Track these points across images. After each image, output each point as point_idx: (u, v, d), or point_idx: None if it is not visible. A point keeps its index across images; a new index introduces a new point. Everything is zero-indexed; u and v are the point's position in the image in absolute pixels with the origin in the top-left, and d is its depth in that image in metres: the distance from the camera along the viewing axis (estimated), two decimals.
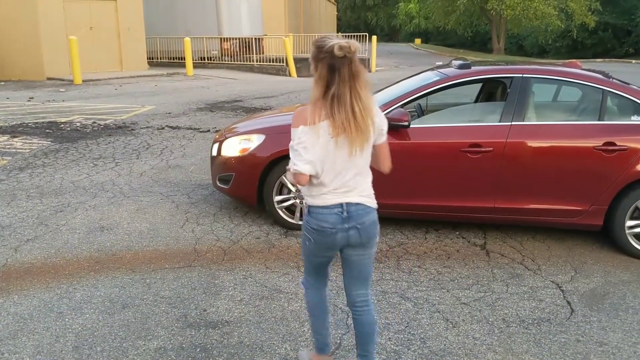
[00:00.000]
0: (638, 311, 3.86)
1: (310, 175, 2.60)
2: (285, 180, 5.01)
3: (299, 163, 2.57)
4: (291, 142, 2.63)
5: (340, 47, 2.49)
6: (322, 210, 2.69)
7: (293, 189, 5.03)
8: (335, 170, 2.64)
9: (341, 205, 2.68)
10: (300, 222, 5.08)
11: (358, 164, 2.67)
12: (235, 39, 23.22)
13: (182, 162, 7.54)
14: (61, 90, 15.02)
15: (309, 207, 2.75)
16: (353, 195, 2.70)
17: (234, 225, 5.26)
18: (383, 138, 2.74)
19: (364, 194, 2.74)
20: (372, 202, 2.78)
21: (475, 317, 3.72)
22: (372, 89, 2.65)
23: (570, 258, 4.70)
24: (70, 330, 3.46)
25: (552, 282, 4.27)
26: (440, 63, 5.66)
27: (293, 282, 4.15)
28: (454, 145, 4.76)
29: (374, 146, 2.72)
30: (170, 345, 3.31)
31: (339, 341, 3.39)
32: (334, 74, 2.53)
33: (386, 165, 2.86)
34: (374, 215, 2.79)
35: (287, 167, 2.70)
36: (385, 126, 2.72)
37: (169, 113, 11.58)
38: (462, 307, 3.86)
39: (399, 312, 3.76)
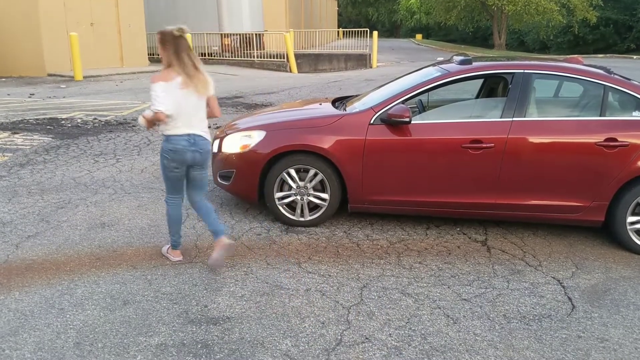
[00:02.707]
0: (639, 307, 3.86)
1: (167, 115, 3.87)
2: (286, 176, 5.01)
3: (158, 106, 3.84)
4: (152, 93, 3.88)
5: (178, 29, 3.91)
6: (177, 137, 4.02)
7: (294, 185, 5.03)
8: (185, 111, 3.97)
9: (189, 134, 4.03)
10: (301, 219, 5.10)
11: (200, 108, 4.06)
12: (236, 34, 23.20)
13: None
14: (62, 86, 15.02)
15: (167, 136, 4.03)
16: (197, 129, 4.07)
17: (235, 221, 5.26)
18: (211, 92, 4.10)
19: (204, 130, 4.13)
20: (208, 136, 4.18)
21: (476, 313, 3.72)
22: None
23: (571, 254, 4.70)
24: (71, 326, 3.46)
25: (553, 278, 4.27)
26: (442, 59, 5.64)
27: (294, 278, 4.15)
28: (455, 142, 4.76)
29: (207, 98, 4.09)
30: (172, 342, 3.32)
31: (339, 337, 3.39)
32: (178, 47, 3.92)
33: (217, 112, 4.24)
34: (209, 145, 4.19)
35: (143, 114, 3.99)
36: (212, 84, 4.07)
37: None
38: (463, 303, 3.86)
39: (400, 308, 3.76)
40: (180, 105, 3.92)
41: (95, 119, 10.34)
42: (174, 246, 4.45)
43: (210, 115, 4.20)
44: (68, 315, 3.58)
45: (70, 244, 4.68)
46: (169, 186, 4.25)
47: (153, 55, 21.75)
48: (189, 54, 3.95)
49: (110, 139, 8.73)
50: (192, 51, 4.00)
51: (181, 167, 4.09)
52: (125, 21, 19.81)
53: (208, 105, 4.15)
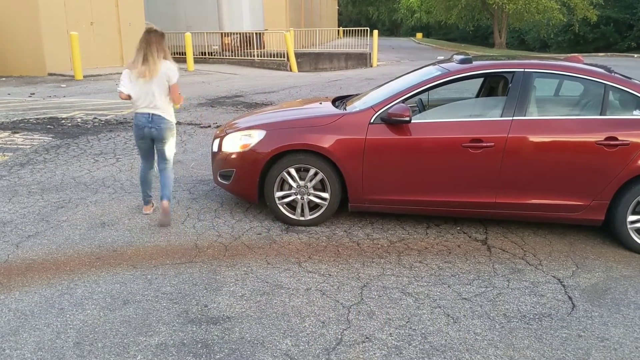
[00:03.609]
0: (639, 306, 3.86)
1: (126, 95, 4.95)
2: (286, 176, 5.00)
3: (120, 87, 4.97)
4: (121, 76, 4.97)
5: (147, 27, 4.92)
6: (139, 115, 5.02)
7: (294, 184, 5.02)
8: (144, 94, 4.93)
9: (148, 114, 4.99)
10: (301, 218, 5.09)
11: (156, 93, 4.92)
12: (236, 33, 23.19)
13: (183, 158, 7.53)
14: (62, 85, 15.01)
15: (135, 113, 5.05)
16: (156, 110, 4.98)
17: (235, 221, 5.26)
18: (173, 81, 4.96)
19: (162, 110, 5.00)
20: (167, 115, 5.03)
21: (477, 313, 3.72)
22: (168, 53, 5.02)
23: (571, 253, 4.70)
24: (71, 326, 3.46)
25: (554, 277, 4.26)
26: (442, 58, 5.62)
27: (294, 277, 4.15)
28: (455, 141, 4.75)
29: (169, 86, 4.96)
30: (172, 341, 3.31)
31: (340, 337, 3.39)
32: (142, 41, 4.88)
33: (175, 100, 5.06)
34: (167, 123, 5.06)
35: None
36: (172, 73, 4.93)
37: None
38: (463, 302, 3.86)
39: (400, 308, 3.76)
40: (139, 89, 4.92)
41: (95, 118, 10.34)
42: (144, 202, 5.47)
43: (172, 102, 5.08)
44: (68, 315, 3.58)
45: (71, 244, 4.68)
46: (140, 155, 5.36)
47: None
48: (150, 47, 4.86)
49: (110, 138, 8.73)
50: (157, 45, 4.88)
51: (143, 140, 5.13)
52: (125, 20, 19.81)
53: (170, 92, 5.03)
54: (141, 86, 4.89)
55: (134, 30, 20.00)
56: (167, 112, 5.04)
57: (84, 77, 16.47)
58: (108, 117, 10.42)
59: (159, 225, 5.08)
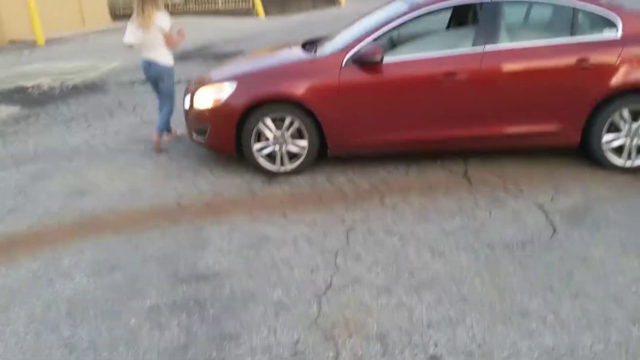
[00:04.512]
0: (619, 224, 3.95)
1: (129, 44, 5.76)
2: (263, 127, 4.95)
3: (124, 39, 5.76)
4: (126, 28, 5.73)
5: None
6: (143, 60, 5.90)
7: (271, 136, 4.98)
8: (143, 43, 5.73)
9: (147, 58, 5.84)
10: (282, 168, 5.07)
11: (152, 41, 5.70)
12: None
13: (157, 117, 7.38)
14: (25, 52, 14.54)
15: (141, 59, 5.91)
16: (152, 55, 5.81)
17: (215, 177, 5.23)
18: (165, 30, 5.67)
19: (157, 56, 5.80)
20: (162, 60, 5.83)
21: (461, 245, 3.79)
22: (161, 4, 5.78)
23: (550, 178, 4.76)
24: (61, 296, 3.46)
25: (534, 203, 4.33)
26: None
27: (280, 228, 4.17)
28: (429, 76, 4.72)
29: (163, 35, 5.70)
30: (163, 303, 3.34)
31: (329, 281, 3.44)
32: None
33: (171, 44, 5.79)
34: (161, 67, 5.85)
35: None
36: (163, 24, 5.63)
37: (138, 67, 11.28)
38: (447, 236, 3.92)
39: (386, 248, 3.81)
40: (138, 38, 5.70)
41: (62, 83, 10.06)
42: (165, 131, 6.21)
43: (169, 46, 5.83)
44: (57, 286, 3.58)
45: (51, 215, 4.63)
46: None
47: (115, 12, 21.06)
48: (143, 2, 5.57)
49: (80, 103, 8.53)
50: (150, 1, 5.60)
51: (149, 80, 6.15)
52: None
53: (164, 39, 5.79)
54: (141, 36, 5.68)
55: None
56: (163, 57, 5.83)
57: (46, 41, 15.94)
58: (76, 82, 10.15)
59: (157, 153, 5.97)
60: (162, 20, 5.65)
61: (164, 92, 6.01)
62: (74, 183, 5.28)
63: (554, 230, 3.92)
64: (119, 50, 13.90)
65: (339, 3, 23.06)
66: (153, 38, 5.69)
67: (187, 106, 5.39)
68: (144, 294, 3.43)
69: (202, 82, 5.40)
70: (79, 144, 6.46)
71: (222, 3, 22.01)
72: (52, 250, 4.05)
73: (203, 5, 22.18)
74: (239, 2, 21.88)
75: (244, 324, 3.10)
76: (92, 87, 9.61)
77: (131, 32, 5.70)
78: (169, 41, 5.77)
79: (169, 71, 5.90)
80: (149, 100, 8.39)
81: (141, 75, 10.32)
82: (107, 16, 20.32)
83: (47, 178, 5.45)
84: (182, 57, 12.19)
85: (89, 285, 3.57)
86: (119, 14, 21.68)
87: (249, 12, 21.30)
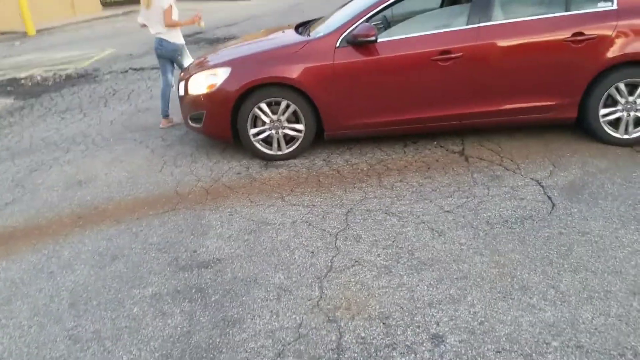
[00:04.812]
0: (617, 197, 3.96)
1: (141, 23, 6.27)
2: (258, 112, 4.93)
3: (138, 19, 6.29)
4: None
5: None
6: (155, 39, 6.21)
7: (267, 120, 4.96)
8: (149, 22, 6.15)
9: (155, 36, 6.20)
10: (279, 153, 5.06)
11: (156, 19, 6.08)
12: None
13: (152, 105, 7.37)
14: (16, 43, 14.44)
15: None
16: (159, 34, 6.16)
17: (212, 163, 5.22)
18: (164, 7, 5.98)
19: (164, 34, 6.14)
20: (169, 37, 6.16)
21: (460, 223, 3.79)
22: None
23: (548, 153, 4.76)
24: (63, 288, 3.48)
25: (532, 179, 4.33)
26: None
27: (279, 212, 4.17)
28: (424, 55, 4.68)
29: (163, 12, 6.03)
30: (166, 290, 3.35)
31: (330, 264, 3.45)
32: None
33: (166, 22, 6.05)
34: (169, 45, 6.18)
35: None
36: (162, 2, 5.98)
37: (131, 55, 11.24)
38: (445, 215, 3.92)
39: (385, 228, 3.82)
40: (147, 17, 6.17)
41: (55, 74, 10.01)
42: (163, 116, 6.45)
43: (166, 25, 6.10)
44: (59, 278, 3.59)
45: (50, 206, 4.63)
46: (160, 67, 6.53)
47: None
48: None
49: (73, 93, 8.49)
50: None
51: (158, 58, 6.40)
52: None
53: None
54: (147, 15, 6.14)
55: None
56: (170, 34, 6.15)
57: (37, 32, 15.82)
58: (69, 72, 10.09)
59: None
60: (160, 1, 6.01)
61: (174, 65, 6.42)
62: (72, 174, 5.27)
63: (553, 206, 3.92)
64: (110, 38, 13.83)
65: None
66: (156, 16, 6.07)
67: (181, 92, 5.36)
68: (145, 283, 3.45)
69: (196, 68, 5.37)
70: (74, 135, 6.44)
71: None
72: (53, 242, 4.05)
73: None
74: None
75: (247, 308, 3.12)
76: (85, 77, 9.55)
77: (141, 12, 6.23)
78: (166, 18, 6.03)
79: (178, 49, 6.23)
80: (143, 87, 8.37)
81: (134, 63, 10.37)
82: (98, 4, 20.13)
83: (45, 170, 5.44)
84: None
85: (91, 276, 3.58)
86: (110, 2, 21.49)
87: None
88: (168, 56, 6.25)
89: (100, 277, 3.55)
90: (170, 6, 6.04)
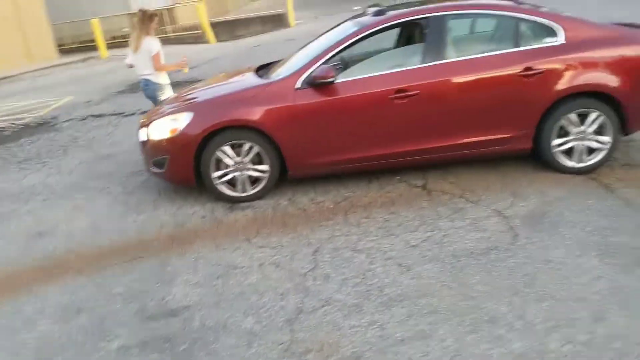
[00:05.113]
0: (576, 225, 4.07)
1: (132, 65, 6.72)
2: (221, 155, 4.93)
3: (126, 60, 6.94)
4: None
5: (139, 9, 6.63)
6: (140, 80, 6.75)
7: (230, 162, 4.96)
8: (138, 62, 6.61)
9: (141, 78, 6.71)
10: (244, 194, 5.06)
11: (143, 62, 6.56)
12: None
13: (112, 151, 7.30)
14: None
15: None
16: (143, 75, 6.63)
17: (176, 208, 5.18)
18: (152, 52, 6.45)
19: (148, 75, 6.60)
20: (153, 78, 6.61)
21: (427, 257, 3.84)
22: (151, 30, 6.65)
23: (506, 184, 4.88)
24: (27, 345, 3.37)
25: (494, 210, 4.43)
26: (358, 8, 5.60)
27: (246, 255, 4.15)
28: (381, 94, 4.79)
29: (151, 57, 6.47)
30: (133, 342, 3.28)
31: (300, 306, 3.44)
32: (132, 23, 8.03)
33: (155, 67, 6.53)
34: (153, 85, 6.64)
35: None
36: (150, 47, 6.46)
37: (90, 101, 11.15)
38: (412, 249, 3.97)
39: (354, 266, 3.83)
40: (133, 59, 6.67)
41: (12, 123, 9.84)
42: None
43: (156, 69, 6.56)
44: (22, 334, 3.48)
45: (10, 260, 4.50)
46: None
47: (63, 46, 20.75)
48: (134, 27, 6.68)
49: (32, 142, 8.35)
50: (139, 25, 6.56)
51: (147, 98, 6.88)
52: (26, 14, 18.71)
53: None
54: (135, 58, 6.61)
55: (36, 24, 18.97)
56: (154, 75, 6.60)
57: None
58: (26, 120, 9.94)
59: None
60: (150, 44, 6.47)
61: (153, 101, 6.81)
62: (32, 225, 5.15)
63: (515, 235, 4.01)
64: (68, 85, 13.70)
65: (288, 25, 23.23)
66: (142, 59, 6.53)
67: (143, 138, 5.33)
68: (112, 335, 3.37)
69: (157, 114, 5.36)
70: (34, 185, 6.31)
71: (172, 31, 21.92)
72: (14, 297, 3.93)
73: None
74: (188, 29, 21.83)
75: (217, 357, 3.07)
76: (44, 125, 9.42)
77: (129, 55, 6.75)
78: (155, 63, 6.49)
79: (160, 89, 6.68)
80: (103, 134, 8.30)
81: (94, 110, 10.28)
82: (55, 51, 19.99)
83: (4, 222, 5.31)
84: (134, 88, 12.07)
85: (55, 331, 3.48)
86: (67, 48, 21.37)
87: (200, 38, 21.25)
88: (152, 95, 6.69)
89: (65, 332, 3.46)
90: (159, 52, 6.49)
